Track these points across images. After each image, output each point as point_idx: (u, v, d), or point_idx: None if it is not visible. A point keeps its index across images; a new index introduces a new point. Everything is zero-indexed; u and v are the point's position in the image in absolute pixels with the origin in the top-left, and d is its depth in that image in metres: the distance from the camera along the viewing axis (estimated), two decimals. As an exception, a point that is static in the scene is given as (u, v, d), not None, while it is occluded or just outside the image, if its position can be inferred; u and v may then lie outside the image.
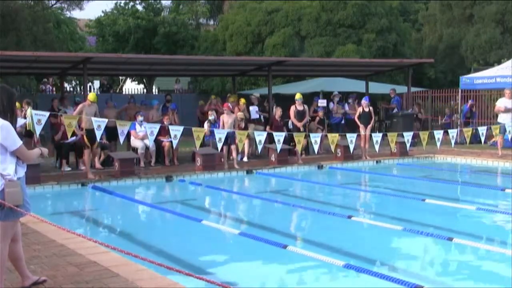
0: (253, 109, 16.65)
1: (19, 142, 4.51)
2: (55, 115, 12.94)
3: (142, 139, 13.47)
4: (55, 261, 5.57)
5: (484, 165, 14.24)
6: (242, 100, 16.29)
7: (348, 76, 22.41)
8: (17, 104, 13.13)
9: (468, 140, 14.93)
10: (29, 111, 10.97)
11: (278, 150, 13.32)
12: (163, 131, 13.36)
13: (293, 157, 14.41)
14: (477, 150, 16.27)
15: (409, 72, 19.33)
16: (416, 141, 15.83)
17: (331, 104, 18.92)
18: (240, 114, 15.36)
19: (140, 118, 13.59)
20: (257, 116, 16.60)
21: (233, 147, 13.27)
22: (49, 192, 10.74)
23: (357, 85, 21.21)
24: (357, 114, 15.14)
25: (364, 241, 7.32)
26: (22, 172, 4.59)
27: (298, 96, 15.54)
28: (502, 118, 15.33)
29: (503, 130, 14.69)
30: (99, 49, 28.06)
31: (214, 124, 14.29)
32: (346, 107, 19.72)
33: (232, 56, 22.70)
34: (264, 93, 18.02)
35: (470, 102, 20.31)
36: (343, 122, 18.71)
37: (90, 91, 24.27)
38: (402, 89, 22.40)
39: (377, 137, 14.02)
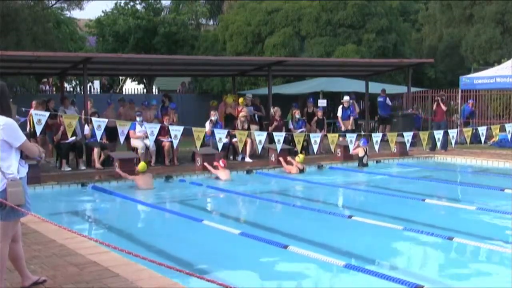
0: (249, 109, 16.68)
1: (23, 138, 4.53)
2: (52, 116, 12.78)
3: (138, 138, 13.45)
4: (55, 261, 5.56)
5: (484, 165, 14.24)
6: (241, 100, 16.34)
7: (348, 76, 22.41)
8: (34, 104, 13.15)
9: (468, 140, 14.95)
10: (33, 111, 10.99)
11: (278, 150, 13.32)
12: (163, 131, 13.35)
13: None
14: (477, 150, 16.28)
15: (409, 72, 19.33)
16: (415, 141, 15.83)
17: (339, 111, 17.84)
18: (243, 113, 15.41)
19: (138, 118, 13.61)
20: (251, 115, 16.66)
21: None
22: (49, 192, 10.73)
23: (357, 85, 21.21)
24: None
25: (364, 241, 7.31)
26: (24, 172, 4.59)
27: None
28: None
29: None
30: (99, 49, 28.06)
31: (216, 124, 14.30)
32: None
33: (232, 56, 22.69)
34: (264, 93, 18.02)
35: (470, 101, 20.33)
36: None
37: (90, 91, 24.34)
38: (402, 89, 22.41)
39: (377, 137, 14.03)
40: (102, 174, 12.35)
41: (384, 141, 14.69)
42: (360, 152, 13.92)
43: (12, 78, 20.55)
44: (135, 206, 10.05)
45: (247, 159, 14.55)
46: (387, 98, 19.82)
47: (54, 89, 26.82)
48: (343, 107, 17.56)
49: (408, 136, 14.08)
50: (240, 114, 15.43)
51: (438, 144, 15.15)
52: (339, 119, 17.61)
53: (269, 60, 18.07)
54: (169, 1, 31.63)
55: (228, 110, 16.56)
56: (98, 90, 27.32)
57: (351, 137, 13.75)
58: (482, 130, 14.72)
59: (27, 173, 4.66)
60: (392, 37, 23.98)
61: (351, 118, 17.50)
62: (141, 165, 11.39)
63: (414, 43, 27.94)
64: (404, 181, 12.47)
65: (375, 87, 20.81)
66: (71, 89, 27.59)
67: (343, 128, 17.24)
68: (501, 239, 7.31)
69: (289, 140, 14.81)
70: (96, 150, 13.07)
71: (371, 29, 23.50)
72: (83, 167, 13.06)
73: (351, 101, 17.69)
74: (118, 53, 24.39)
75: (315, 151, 15.57)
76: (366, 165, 13.92)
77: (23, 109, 11.69)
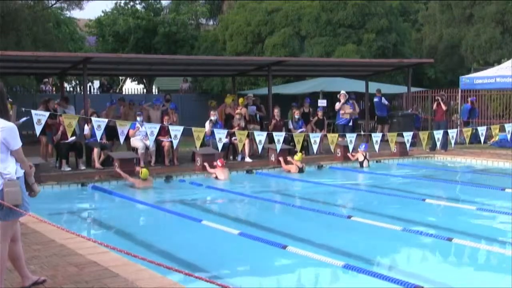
0: (251, 108, 16.67)
1: (20, 143, 4.53)
2: (52, 116, 12.75)
3: (133, 136, 13.47)
4: (55, 261, 5.57)
5: (484, 165, 14.24)
6: (241, 100, 16.35)
7: (348, 76, 22.40)
8: None
9: (467, 140, 14.95)
10: (11, 112, 10.89)
11: (278, 150, 13.32)
12: (163, 131, 13.35)
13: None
14: (477, 150, 16.29)
15: (409, 72, 19.32)
16: (415, 141, 15.84)
17: (336, 104, 18.00)
18: (238, 110, 15.42)
19: (139, 118, 13.61)
20: (253, 114, 16.65)
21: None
22: (49, 192, 10.72)
23: (357, 85, 21.20)
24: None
25: (364, 241, 7.31)
26: (21, 172, 4.60)
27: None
28: None
29: None
30: (99, 49, 28.07)
31: (216, 124, 14.30)
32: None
33: (232, 56, 22.69)
34: (264, 93, 18.02)
35: (470, 100, 20.34)
36: (351, 124, 17.62)
37: (90, 91, 24.34)
38: (402, 89, 22.40)
39: (376, 137, 14.03)
40: (102, 174, 12.35)
41: (384, 141, 14.69)
42: (360, 157, 13.95)
43: (12, 78, 20.56)
44: (135, 206, 10.05)
45: (247, 159, 14.55)
46: (383, 98, 19.81)
47: (54, 89, 26.79)
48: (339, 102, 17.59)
49: (408, 136, 14.08)
50: (236, 111, 15.45)
51: (438, 144, 15.15)
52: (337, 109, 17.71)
53: (269, 60, 18.06)
54: (169, 1, 31.65)
55: (228, 110, 16.57)
56: (98, 90, 27.32)
57: (351, 137, 13.75)
58: (482, 130, 14.72)
59: (24, 173, 4.66)
60: (392, 37, 23.98)
61: (351, 109, 17.54)
62: (144, 172, 11.36)
63: (414, 43, 27.94)
64: (404, 181, 12.48)
65: (375, 87, 20.81)
66: (71, 89, 27.60)
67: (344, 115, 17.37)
68: (501, 239, 7.32)
69: (289, 140, 14.81)
70: (96, 150, 13.07)
71: (371, 29, 23.51)
72: (83, 167, 13.05)
73: (348, 98, 17.65)
74: (118, 53, 24.39)
75: (315, 151, 15.57)
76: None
77: (23, 109, 11.69)
